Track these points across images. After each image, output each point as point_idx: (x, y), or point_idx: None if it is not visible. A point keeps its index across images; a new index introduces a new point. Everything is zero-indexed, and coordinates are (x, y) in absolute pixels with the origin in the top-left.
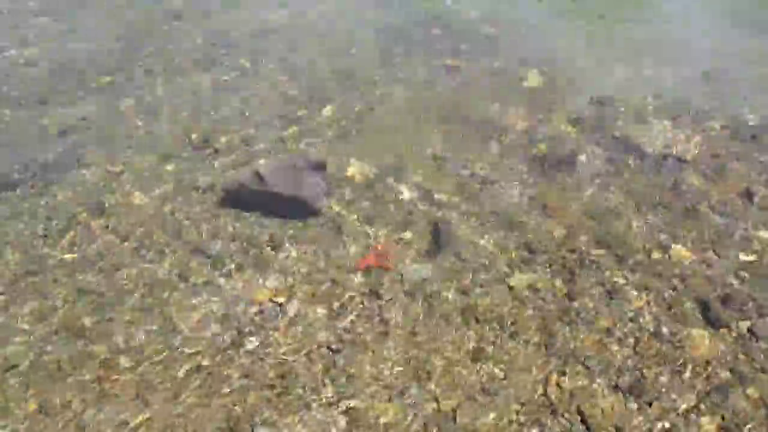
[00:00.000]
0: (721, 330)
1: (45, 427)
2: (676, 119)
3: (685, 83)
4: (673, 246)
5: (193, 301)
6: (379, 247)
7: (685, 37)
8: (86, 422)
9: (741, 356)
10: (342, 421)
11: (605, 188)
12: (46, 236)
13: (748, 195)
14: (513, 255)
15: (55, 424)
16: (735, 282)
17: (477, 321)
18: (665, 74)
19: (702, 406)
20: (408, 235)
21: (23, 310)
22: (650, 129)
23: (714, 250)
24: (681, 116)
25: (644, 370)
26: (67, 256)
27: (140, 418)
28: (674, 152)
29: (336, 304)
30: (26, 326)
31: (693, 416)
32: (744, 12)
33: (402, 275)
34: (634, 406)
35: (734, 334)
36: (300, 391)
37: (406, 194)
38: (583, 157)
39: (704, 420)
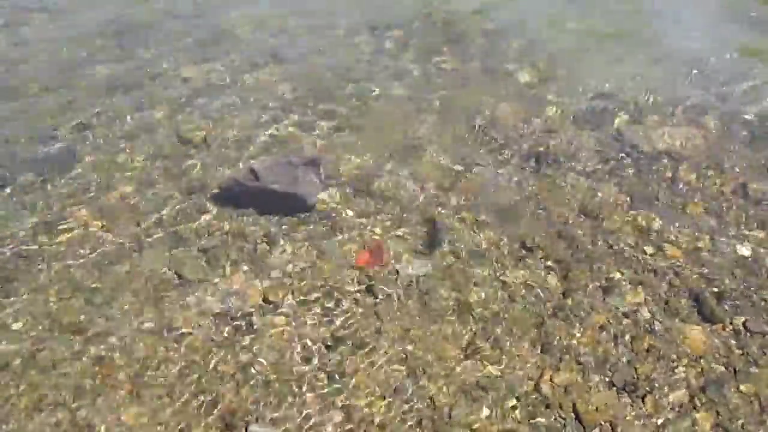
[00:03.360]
0: (716, 325)
1: (39, 424)
2: (671, 115)
3: (681, 79)
4: (667, 242)
5: (188, 298)
6: (373, 245)
7: (681, 33)
8: (80, 419)
9: (736, 352)
10: (337, 418)
11: (600, 184)
12: (39, 234)
13: (744, 191)
14: (508, 251)
15: (49, 421)
16: (730, 278)
17: (472, 317)
18: (660, 70)
19: (696, 402)
20: (403, 231)
21: (17, 306)
22: (645, 125)
23: (709, 246)
24: (676, 112)
25: (638, 366)
26: (63, 251)
27: (134, 414)
28: (669, 148)
29: (331, 301)
30: (20, 324)
31: (687, 411)
32: (741, 8)
33: (397, 272)
34: (627, 401)
35: (729, 330)
36: (295, 387)
37: (401, 190)
38: (578, 153)
39: (698, 415)
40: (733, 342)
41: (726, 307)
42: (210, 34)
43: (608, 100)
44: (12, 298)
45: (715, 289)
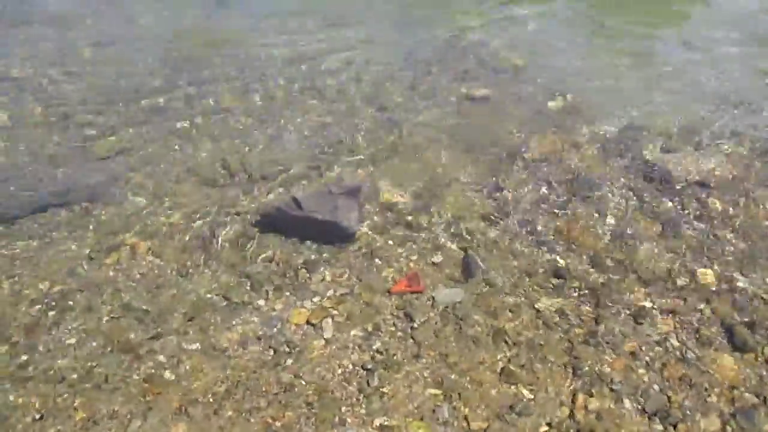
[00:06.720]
0: (747, 354)
1: None
2: (701, 144)
3: (711, 108)
4: (698, 270)
5: (233, 321)
6: (410, 273)
7: (710, 61)
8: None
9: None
10: None
11: (631, 213)
12: (92, 258)
13: None
14: (541, 280)
15: None
16: (762, 307)
17: (506, 343)
18: (690, 99)
19: (728, 430)
20: (439, 259)
21: (72, 326)
22: (675, 154)
23: (740, 275)
24: (706, 141)
25: (670, 393)
26: (114, 275)
27: (182, 429)
28: (699, 177)
29: (370, 326)
30: (74, 341)
31: None
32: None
33: (433, 298)
34: (659, 428)
35: (761, 359)
36: (335, 408)
37: (437, 220)
38: (608, 182)
39: None
40: (764, 371)
41: (758, 337)
42: (249, 66)
43: (638, 130)
44: (68, 318)
45: (747, 319)
